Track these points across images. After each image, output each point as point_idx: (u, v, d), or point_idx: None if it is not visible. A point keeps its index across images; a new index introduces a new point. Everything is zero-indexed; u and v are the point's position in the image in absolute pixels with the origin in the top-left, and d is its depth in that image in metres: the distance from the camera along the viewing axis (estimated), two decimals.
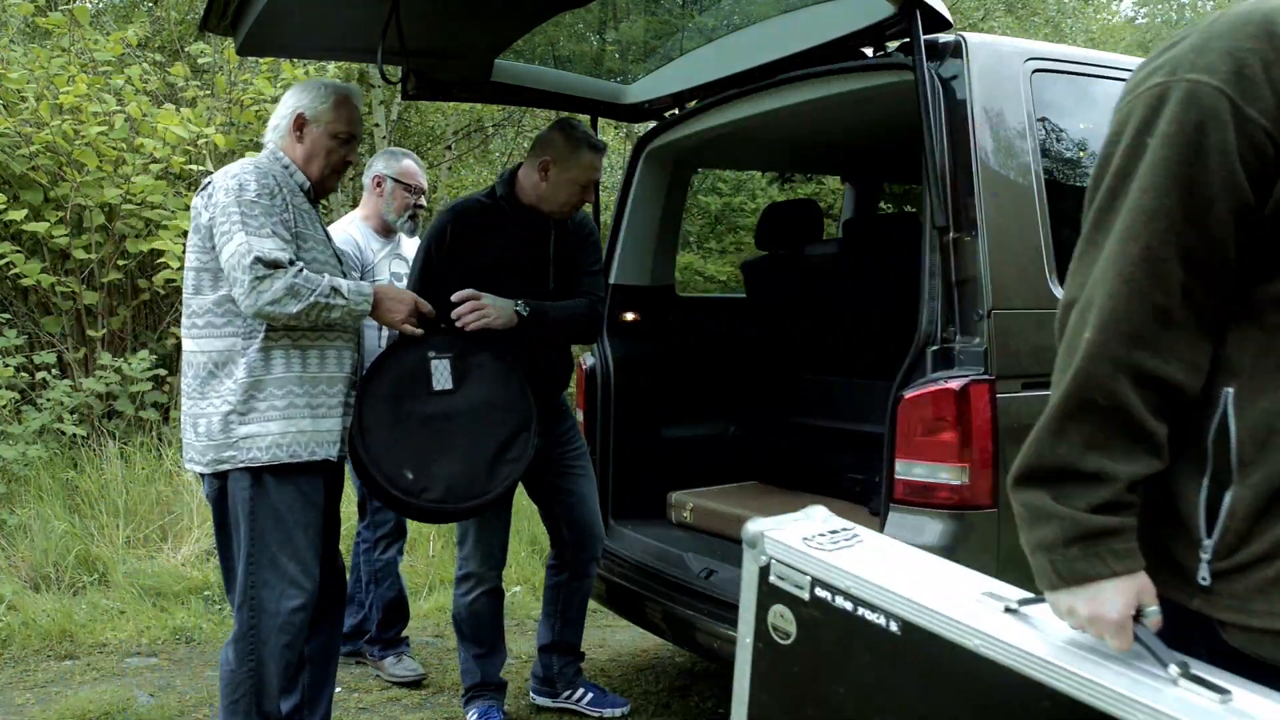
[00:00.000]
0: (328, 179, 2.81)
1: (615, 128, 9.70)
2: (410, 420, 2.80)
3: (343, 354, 2.72)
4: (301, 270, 2.56)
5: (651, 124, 3.96)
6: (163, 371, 5.87)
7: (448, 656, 4.17)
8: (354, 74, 8.01)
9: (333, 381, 2.68)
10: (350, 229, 3.77)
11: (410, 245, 3.93)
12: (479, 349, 2.91)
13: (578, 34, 3.86)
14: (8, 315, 5.77)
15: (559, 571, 3.47)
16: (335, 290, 2.60)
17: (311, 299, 2.54)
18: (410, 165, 3.84)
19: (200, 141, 6.02)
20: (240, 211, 2.53)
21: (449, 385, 2.85)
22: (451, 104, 9.31)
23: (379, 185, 3.82)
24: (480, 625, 3.32)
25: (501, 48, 3.44)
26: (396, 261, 3.83)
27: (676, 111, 3.80)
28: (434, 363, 2.86)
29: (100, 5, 9.59)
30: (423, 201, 3.90)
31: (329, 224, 3.37)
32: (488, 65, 3.50)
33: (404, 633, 3.99)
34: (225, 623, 4.47)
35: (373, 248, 3.75)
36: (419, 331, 2.77)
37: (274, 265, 2.50)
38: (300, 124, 2.75)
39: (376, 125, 8.69)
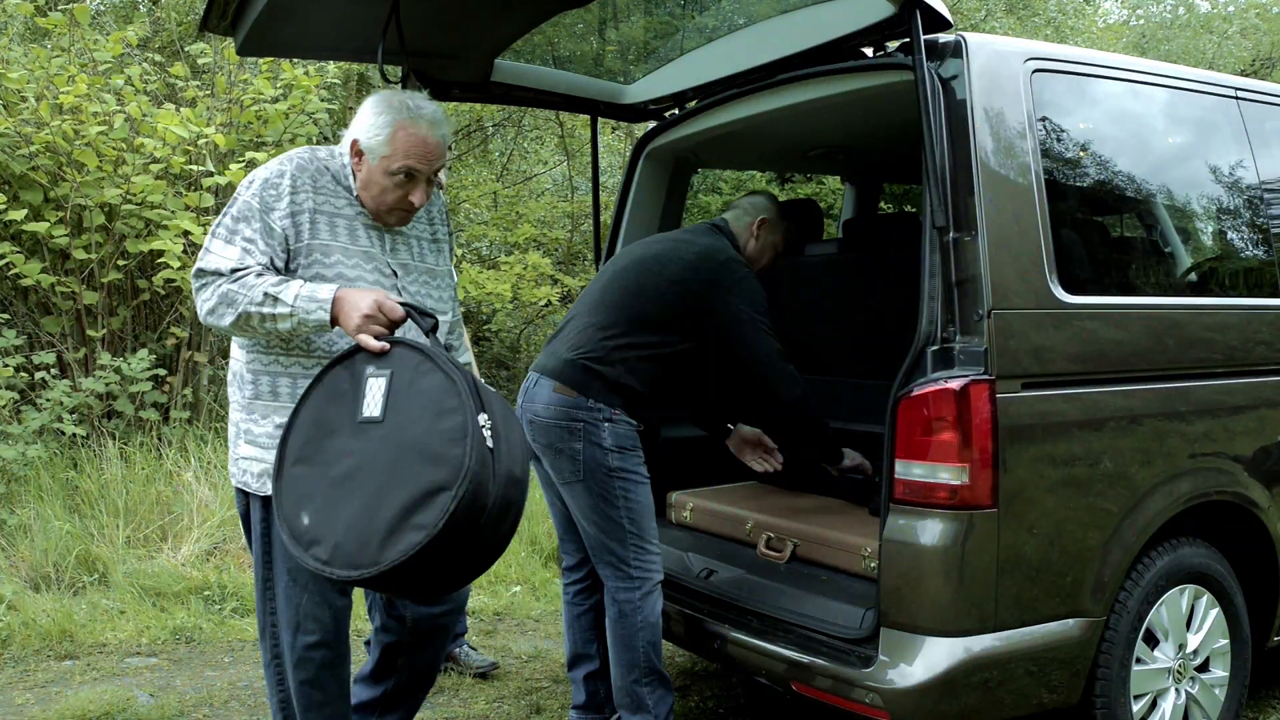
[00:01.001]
0: (385, 216, 2.44)
1: (615, 128, 9.69)
2: (326, 450, 2.22)
3: None
4: (241, 275, 2.28)
5: (651, 124, 3.96)
6: (162, 371, 5.87)
7: (448, 657, 4.17)
8: (354, 74, 8.00)
9: None
10: None
11: None
12: (432, 370, 2.19)
13: (578, 34, 3.86)
14: (7, 315, 5.77)
15: (590, 592, 3.25)
16: (273, 297, 2.24)
17: (242, 308, 2.26)
18: None
19: (200, 141, 6.02)
20: (225, 213, 2.38)
21: (378, 413, 2.19)
22: (451, 104, 9.30)
23: None
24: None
25: (501, 48, 3.44)
26: None
27: (676, 111, 3.80)
28: (370, 380, 2.21)
29: (100, 5, 9.59)
30: (444, 197, 3.84)
31: None
32: (488, 65, 3.50)
33: None
34: (225, 623, 4.47)
35: None
36: (380, 346, 2.22)
37: (215, 274, 2.30)
38: (357, 152, 2.43)
39: None
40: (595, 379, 2.97)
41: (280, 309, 2.25)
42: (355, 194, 2.44)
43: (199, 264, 2.33)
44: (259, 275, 2.30)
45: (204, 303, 2.32)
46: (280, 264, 2.35)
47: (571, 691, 3.36)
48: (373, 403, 2.19)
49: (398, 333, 2.33)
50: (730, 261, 3.08)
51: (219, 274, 2.30)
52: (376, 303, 2.24)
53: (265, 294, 2.25)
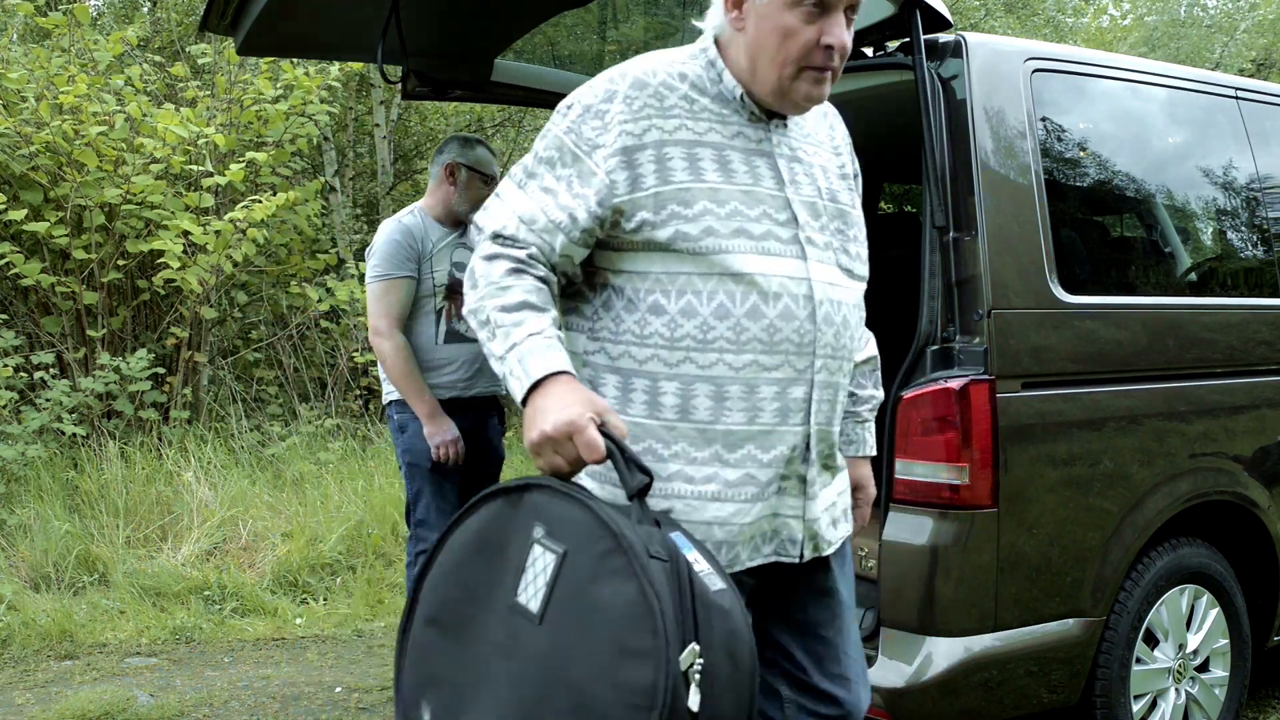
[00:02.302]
0: (790, 91, 1.65)
1: None
2: (465, 623, 1.55)
3: (759, 385, 1.65)
4: (498, 257, 1.63)
5: None
6: (161, 370, 5.87)
7: None
8: (354, 74, 8.01)
9: (741, 439, 1.65)
10: (405, 217, 3.44)
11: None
12: (623, 572, 1.39)
13: (578, 34, 3.86)
14: (6, 315, 5.77)
15: None
16: (493, 329, 1.60)
17: (471, 305, 1.65)
18: (485, 154, 3.52)
19: (200, 141, 6.02)
20: (540, 145, 1.70)
21: (535, 608, 1.46)
22: (451, 104, 9.30)
23: (452, 175, 3.45)
24: None
25: (501, 48, 3.44)
26: (460, 251, 3.45)
27: None
28: (535, 549, 1.48)
29: (100, 5, 9.59)
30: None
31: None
32: (488, 65, 3.50)
33: None
34: (225, 623, 4.47)
35: (431, 237, 3.40)
36: (550, 475, 1.53)
37: (479, 230, 1.70)
38: (736, 3, 1.67)
39: (377, 125, 8.70)
40: None
41: (494, 345, 1.61)
42: (736, 92, 1.70)
43: (479, 211, 1.76)
44: (515, 273, 1.62)
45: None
46: (590, 219, 1.63)
47: None
48: (532, 588, 1.48)
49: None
50: None
51: (483, 230, 1.70)
52: (570, 425, 1.47)
53: (490, 317, 1.60)
